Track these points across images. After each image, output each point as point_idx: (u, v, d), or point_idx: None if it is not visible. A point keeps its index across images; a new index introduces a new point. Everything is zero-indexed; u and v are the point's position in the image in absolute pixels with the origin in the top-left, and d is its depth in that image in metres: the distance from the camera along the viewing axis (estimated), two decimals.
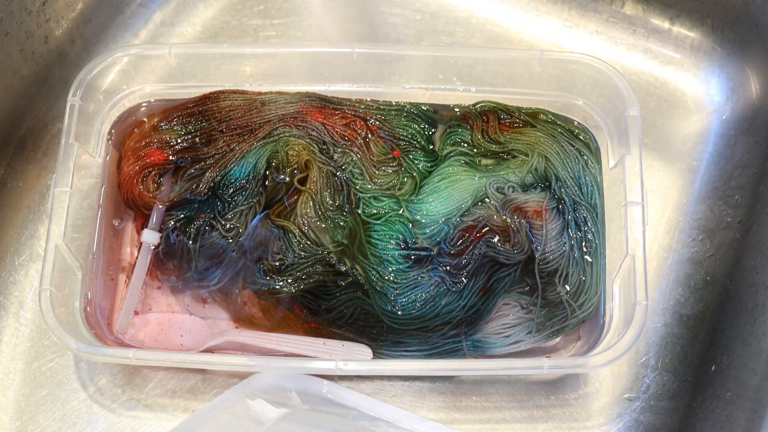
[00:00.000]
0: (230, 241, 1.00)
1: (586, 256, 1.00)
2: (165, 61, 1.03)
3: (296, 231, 1.00)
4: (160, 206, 1.01)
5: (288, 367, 0.91)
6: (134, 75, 1.04)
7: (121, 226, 1.03)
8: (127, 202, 1.03)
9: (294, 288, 0.99)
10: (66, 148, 0.97)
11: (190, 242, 1.00)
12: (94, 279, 1.00)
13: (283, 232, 1.00)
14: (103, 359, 0.96)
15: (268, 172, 1.02)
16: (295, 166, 1.02)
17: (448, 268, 0.99)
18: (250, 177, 1.01)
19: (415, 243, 1.01)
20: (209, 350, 0.99)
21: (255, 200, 1.01)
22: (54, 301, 0.92)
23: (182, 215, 1.01)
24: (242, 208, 1.00)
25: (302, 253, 1.00)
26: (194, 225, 1.00)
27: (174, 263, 1.01)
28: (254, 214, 1.01)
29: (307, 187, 1.01)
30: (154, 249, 1.01)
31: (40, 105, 1.11)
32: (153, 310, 1.02)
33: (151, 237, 1.00)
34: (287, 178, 1.02)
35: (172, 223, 1.01)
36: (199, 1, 1.18)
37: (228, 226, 1.00)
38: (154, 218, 1.01)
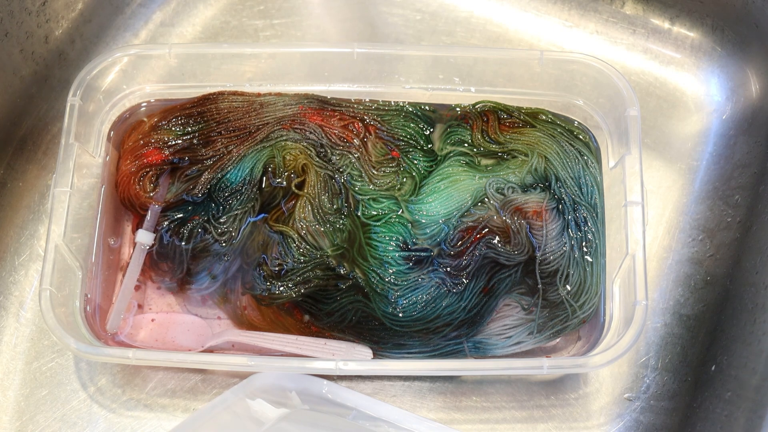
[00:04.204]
0: (223, 244, 1.00)
1: (587, 256, 1.00)
2: (165, 61, 1.03)
3: (295, 236, 1.00)
4: (156, 207, 1.01)
5: (288, 367, 0.91)
6: (134, 75, 1.04)
7: (116, 244, 1.03)
8: (123, 201, 1.03)
9: (294, 293, 0.99)
10: (66, 148, 0.97)
11: (183, 244, 1.00)
12: (94, 279, 1.00)
13: (282, 237, 1.00)
14: (103, 359, 0.96)
15: (264, 177, 1.02)
16: (293, 170, 1.02)
17: (448, 269, 0.99)
18: (246, 181, 1.01)
19: (415, 244, 1.01)
20: (209, 350, 0.99)
21: (250, 205, 1.01)
22: (54, 301, 0.92)
23: (177, 216, 1.01)
24: (237, 212, 1.00)
25: (301, 257, 1.00)
26: (187, 227, 1.00)
27: (168, 265, 1.01)
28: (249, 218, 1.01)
29: (305, 191, 1.01)
30: (149, 249, 1.01)
31: (40, 105, 1.11)
32: (153, 310, 1.02)
33: (145, 237, 1.00)
34: (284, 183, 1.02)
35: (167, 223, 1.01)
36: (199, 1, 1.18)
37: (220, 229, 1.00)
38: (148, 218, 1.01)
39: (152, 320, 1.01)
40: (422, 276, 0.99)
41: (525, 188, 1.02)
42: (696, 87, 1.15)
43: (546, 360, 0.92)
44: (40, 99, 1.11)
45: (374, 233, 1.01)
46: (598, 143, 1.05)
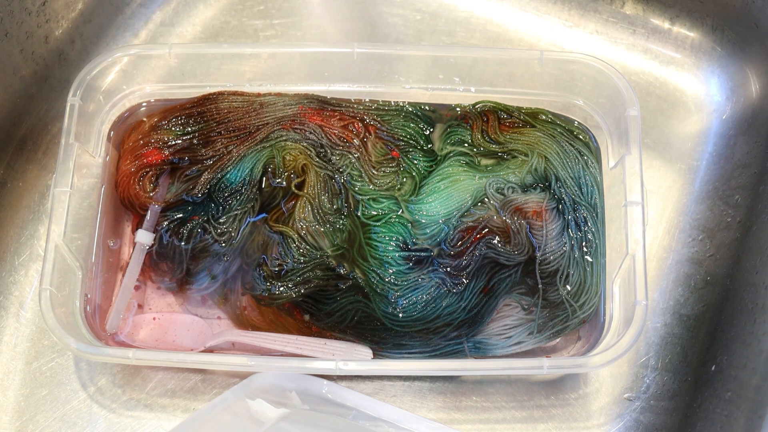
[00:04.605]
0: (223, 245, 1.00)
1: (587, 256, 1.00)
2: (165, 61, 1.03)
3: (295, 236, 1.00)
4: (156, 207, 1.01)
5: (288, 367, 0.91)
6: (134, 75, 1.04)
7: (116, 246, 1.03)
8: (123, 201, 1.03)
9: (294, 293, 0.99)
10: (66, 148, 0.97)
11: (183, 244, 1.00)
12: (94, 279, 1.00)
13: (282, 238, 1.00)
14: (103, 359, 0.96)
15: (264, 177, 1.02)
16: (292, 170, 1.02)
17: (448, 269, 0.99)
18: (246, 181, 1.01)
19: (415, 244, 1.01)
20: (209, 350, 0.99)
21: (250, 205, 1.01)
22: (54, 301, 0.92)
23: (177, 216, 1.01)
24: (236, 212, 1.00)
25: (301, 258, 1.00)
26: (187, 227, 1.00)
27: (167, 265, 1.01)
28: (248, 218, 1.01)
29: (305, 191, 1.01)
30: (148, 249, 1.01)
31: (40, 105, 1.11)
32: (153, 310, 1.02)
33: (144, 237, 1.00)
34: (284, 183, 1.02)
35: (167, 223, 1.01)
36: (199, 1, 1.18)
37: (220, 230, 1.00)
38: (148, 218, 1.01)
39: (153, 319, 1.01)
40: (422, 276, 0.99)
41: (525, 188, 1.02)
42: (696, 87, 1.15)
43: (546, 360, 0.92)
44: (40, 99, 1.11)
45: (374, 233, 1.01)
46: (598, 143, 1.05)
